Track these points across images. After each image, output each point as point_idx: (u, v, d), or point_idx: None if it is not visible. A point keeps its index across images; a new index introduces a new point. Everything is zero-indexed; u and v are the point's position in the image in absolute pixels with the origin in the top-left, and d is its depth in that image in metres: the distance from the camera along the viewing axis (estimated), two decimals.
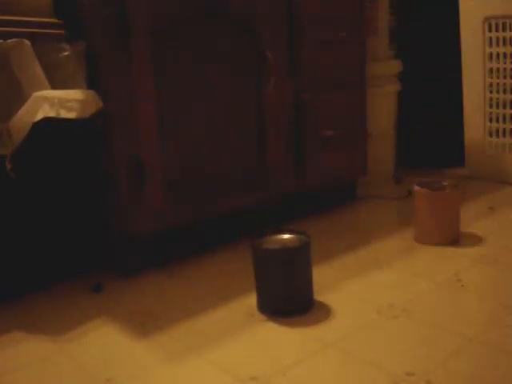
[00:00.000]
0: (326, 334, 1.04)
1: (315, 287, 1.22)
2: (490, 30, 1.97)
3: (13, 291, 1.27)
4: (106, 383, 0.93)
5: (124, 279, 1.36)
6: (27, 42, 1.13)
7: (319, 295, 1.20)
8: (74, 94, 1.17)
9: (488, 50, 1.99)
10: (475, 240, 1.48)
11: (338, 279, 1.29)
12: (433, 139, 2.34)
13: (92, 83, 1.24)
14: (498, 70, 1.99)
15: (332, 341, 1.02)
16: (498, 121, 2.03)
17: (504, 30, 1.93)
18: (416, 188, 1.46)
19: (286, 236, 1.18)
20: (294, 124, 1.61)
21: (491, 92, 2.03)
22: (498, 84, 2.00)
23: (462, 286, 1.21)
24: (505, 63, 1.97)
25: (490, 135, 2.07)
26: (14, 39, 1.12)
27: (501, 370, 0.89)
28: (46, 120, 1.13)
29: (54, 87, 1.17)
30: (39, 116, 1.11)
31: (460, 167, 2.27)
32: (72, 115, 1.15)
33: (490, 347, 0.96)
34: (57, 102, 1.13)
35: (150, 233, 1.37)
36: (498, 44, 1.96)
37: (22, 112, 1.12)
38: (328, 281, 1.28)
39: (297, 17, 1.57)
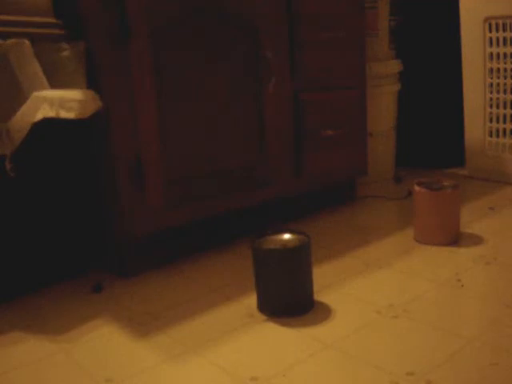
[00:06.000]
0: (326, 334, 1.04)
1: (315, 287, 1.22)
2: (490, 30, 1.97)
3: (13, 291, 1.27)
4: (106, 383, 0.93)
5: (124, 279, 1.36)
6: (27, 42, 1.13)
7: (319, 295, 1.20)
8: (74, 94, 1.17)
9: (488, 49, 1.99)
10: (475, 240, 1.48)
11: (338, 279, 1.29)
12: (433, 139, 2.34)
13: (92, 83, 1.24)
14: (498, 69, 1.99)
15: (332, 341, 1.02)
16: (498, 121, 2.03)
17: (504, 30, 1.93)
18: (416, 188, 1.46)
19: (286, 236, 1.18)
20: (293, 124, 1.61)
21: (491, 92, 2.02)
22: (498, 84, 2.00)
23: (462, 286, 1.21)
24: (505, 63, 1.97)
25: (490, 135, 2.07)
26: (13, 39, 1.12)
27: (501, 370, 0.89)
28: (46, 120, 1.13)
29: (53, 87, 1.17)
30: (39, 116, 1.11)
31: (460, 167, 2.28)
32: (72, 115, 1.15)
33: (490, 347, 0.96)
34: (56, 102, 1.13)
35: (150, 233, 1.37)
36: (498, 44, 1.96)
37: (21, 112, 1.12)
38: (328, 281, 1.28)
39: (297, 17, 1.57)
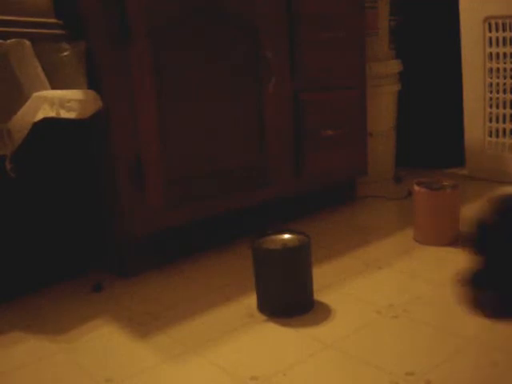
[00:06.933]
0: (325, 334, 1.04)
1: (315, 287, 1.22)
2: (490, 30, 1.97)
3: (13, 291, 1.27)
4: (106, 383, 0.93)
5: (124, 279, 1.36)
6: (27, 42, 1.13)
7: (319, 295, 1.20)
8: (74, 94, 1.17)
9: (488, 50, 1.99)
10: None
11: (338, 279, 1.29)
12: (433, 139, 2.34)
13: (92, 83, 1.24)
14: (497, 69, 1.99)
15: (332, 341, 1.02)
16: (497, 121, 2.03)
17: (504, 30, 1.93)
18: (416, 188, 1.47)
19: (286, 236, 1.18)
20: (293, 124, 1.61)
21: (491, 92, 2.02)
22: (497, 84, 2.00)
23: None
24: (505, 63, 1.97)
25: (490, 135, 2.07)
26: (13, 39, 1.12)
27: (501, 370, 0.89)
28: (46, 120, 1.13)
29: (54, 87, 1.17)
30: (39, 116, 1.11)
31: (460, 167, 2.28)
32: (72, 115, 1.15)
33: (489, 347, 0.96)
34: (57, 101, 1.13)
35: (150, 233, 1.37)
36: (497, 44, 1.96)
37: (22, 112, 1.12)
38: (328, 281, 1.28)
39: (297, 17, 1.57)
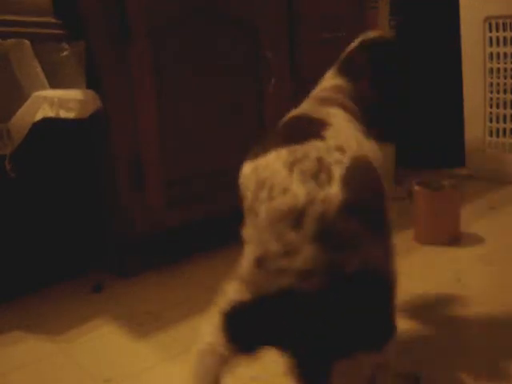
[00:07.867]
0: None
1: None
2: (490, 30, 1.96)
3: (13, 291, 1.27)
4: (106, 383, 0.93)
5: (124, 279, 1.36)
6: (27, 42, 1.13)
7: None
8: (74, 94, 1.17)
9: (488, 49, 1.99)
10: (475, 240, 1.48)
11: None
12: (433, 139, 2.34)
13: (92, 83, 1.24)
14: (498, 69, 1.99)
15: None
16: (498, 121, 2.03)
17: (504, 29, 1.93)
18: (416, 188, 1.46)
19: None
20: None
21: (491, 92, 2.02)
22: (498, 84, 2.00)
23: (462, 285, 1.21)
24: (505, 63, 1.97)
25: (491, 135, 2.06)
26: (13, 39, 1.12)
27: (500, 369, 0.89)
28: (46, 120, 1.13)
29: (53, 87, 1.17)
30: (39, 116, 1.12)
31: (460, 167, 2.27)
32: (71, 115, 1.15)
33: (489, 347, 0.96)
34: (56, 101, 1.13)
35: (150, 233, 1.37)
36: (498, 44, 1.96)
37: (21, 112, 1.12)
38: None
39: (297, 17, 1.57)
